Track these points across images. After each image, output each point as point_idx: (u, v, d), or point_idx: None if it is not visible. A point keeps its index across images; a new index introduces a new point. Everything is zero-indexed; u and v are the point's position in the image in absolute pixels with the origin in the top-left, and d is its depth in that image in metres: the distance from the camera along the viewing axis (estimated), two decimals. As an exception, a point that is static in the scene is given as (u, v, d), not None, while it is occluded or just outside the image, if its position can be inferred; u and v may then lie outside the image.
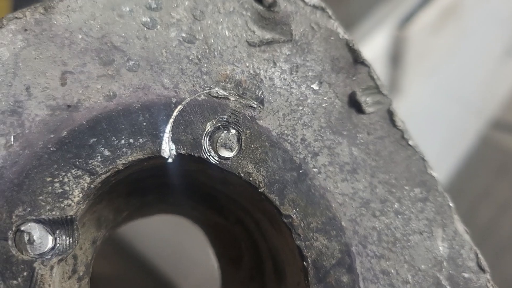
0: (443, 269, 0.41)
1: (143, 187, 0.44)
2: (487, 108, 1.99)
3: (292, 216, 0.38)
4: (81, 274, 0.40)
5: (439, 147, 1.65)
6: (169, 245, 0.95)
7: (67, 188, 0.34)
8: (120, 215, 0.45)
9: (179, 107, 0.37)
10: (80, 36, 0.37)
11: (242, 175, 0.38)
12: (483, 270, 0.42)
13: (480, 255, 0.43)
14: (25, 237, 0.33)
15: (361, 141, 0.41)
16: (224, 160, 0.38)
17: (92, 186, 0.34)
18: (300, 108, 0.40)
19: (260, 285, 0.47)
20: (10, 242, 0.33)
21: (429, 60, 1.24)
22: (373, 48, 1.07)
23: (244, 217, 0.46)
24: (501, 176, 1.98)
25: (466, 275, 0.41)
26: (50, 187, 0.33)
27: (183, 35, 0.39)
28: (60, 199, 0.33)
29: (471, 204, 1.85)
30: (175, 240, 0.93)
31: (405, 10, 1.22)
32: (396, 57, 1.08)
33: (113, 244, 0.95)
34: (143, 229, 0.92)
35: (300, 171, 0.39)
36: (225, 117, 0.38)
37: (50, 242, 0.34)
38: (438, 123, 1.54)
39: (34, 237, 0.33)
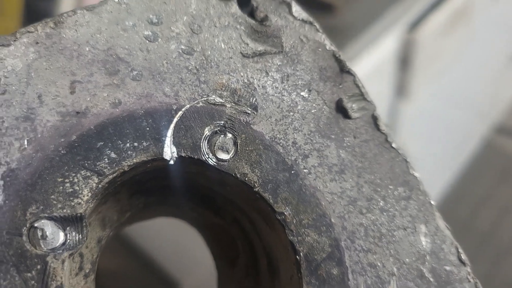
0: (426, 262, 0.44)
1: (145, 189, 0.47)
2: (491, 113, 2.01)
3: (285, 213, 0.41)
4: (87, 271, 0.43)
5: (444, 150, 1.67)
6: (172, 244, 0.97)
7: (77, 188, 0.36)
8: (123, 216, 0.48)
9: (180, 113, 0.40)
10: (87, 49, 0.40)
11: (238, 175, 0.41)
12: (463, 263, 0.45)
13: (460, 249, 0.46)
14: (39, 233, 0.36)
15: (348, 144, 0.44)
16: (222, 161, 0.41)
17: (100, 186, 0.37)
18: (291, 114, 0.44)
19: (255, 282, 0.50)
20: (24, 238, 0.35)
21: (437, 64, 1.26)
22: (383, 50, 1.08)
23: (240, 218, 0.49)
24: (504, 181, 2.01)
25: (447, 268, 0.44)
26: (61, 187, 0.36)
27: (182, 47, 0.42)
28: (71, 198, 0.36)
29: (474, 207, 1.88)
30: (178, 238, 0.95)
31: (415, 13, 1.23)
32: (405, 60, 1.09)
33: (118, 242, 0.97)
34: (147, 228, 0.94)
35: (292, 172, 0.42)
36: (222, 122, 0.42)
37: (61, 237, 0.36)
38: (444, 126, 1.56)
39: (47, 233, 0.36)
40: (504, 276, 1.69)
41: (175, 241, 0.96)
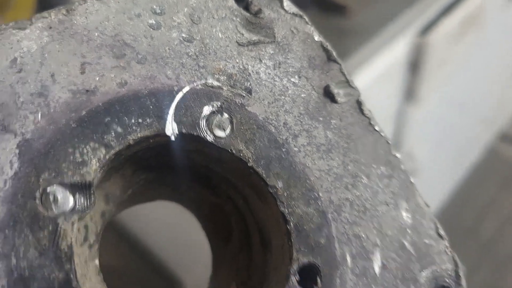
0: (407, 236, 0.48)
1: (147, 166, 0.50)
2: (497, 120, 2.01)
3: (277, 186, 0.44)
4: (91, 242, 0.46)
5: (448, 156, 1.68)
6: (174, 242, 0.99)
7: (86, 158, 0.40)
8: (125, 193, 0.51)
9: (180, 94, 0.44)
10: (96, 34, 0.44)
11: (234, 151, 0.44)
12: (441, 238, 0.49)
13: (438, 225, 0.50)
14: (50, 198, 0.39)
15: (335, 126, 0.48)
16: (219, 139, 0.44)
17: (107, 157, 0.40)
18: (282, 97, 0.47)
19: (248, 257, 0.53)
20: (37, 201, 0.38)
21: (446, 69, 1.26)
22: (394, 53, 1.08)
23: (234, 196, 0.52)
24: (507, 188, 2.02)
25: (427, 241, 0.48)
26: (72, 157, 0.39)
27: (183, 35, 0.46)
28: (80, 167, 0.39)
29: (476, 214, 1.89)
30: (180, 234, 0.97)
31: (427, 18, 1.24)
32: (415, 64, 1.09)
33: (119, 238, 1.00)
34: (148, 222, 0.97)
35: (283, 150, 0.45)
36: (219, 103, 0.45)
37: (71, 202, 0.39)
38: (450, 132, 1.56)
39: (58, 197, 0.39)
40: (508, 283, 1.71)
41: (177, 238, 0.99)
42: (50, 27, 0.43)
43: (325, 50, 0.50)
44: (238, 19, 0.49)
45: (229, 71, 0.47)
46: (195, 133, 0.43)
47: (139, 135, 0.42)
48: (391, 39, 1.09)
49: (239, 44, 0.48)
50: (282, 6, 0.50)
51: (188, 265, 0.99)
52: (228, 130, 0.45)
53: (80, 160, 0.40)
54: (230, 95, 0.46)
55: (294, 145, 0.46)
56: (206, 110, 0.45)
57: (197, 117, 0.44)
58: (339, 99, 0.49)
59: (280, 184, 0.44)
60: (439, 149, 1.54)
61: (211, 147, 0.44)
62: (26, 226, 0.37)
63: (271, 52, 0.48)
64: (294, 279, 0.42)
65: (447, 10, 1.34)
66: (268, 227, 0.48)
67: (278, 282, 0.44)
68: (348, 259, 0.45)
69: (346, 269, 0.45)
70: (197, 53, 0.46)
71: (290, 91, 0.48)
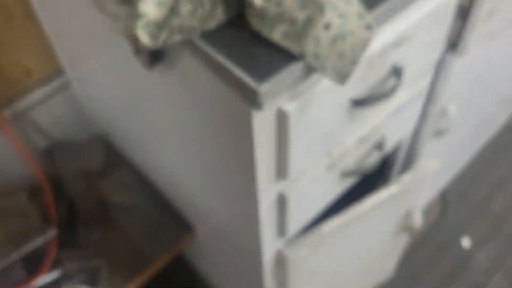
0: None
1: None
2: None
3: None
4: None
5: (477, 119, 1.55)
6: (189, 194, 1.03)
7: None
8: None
9: None
10: None
11: None
12: None
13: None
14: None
15: None
16: None
17: None
18: None
19: None
20: None
21: (493, 22, 1.05)
22: None
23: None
24: None
25: None
26: None
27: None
28: None
29: (489, 190, 1.85)
30: (193, 192, 0.99)
31: None
32: (465, 8, 0.90)
33: (130, 177, 1.15)
34: (158, 164, 1.05)
35: None
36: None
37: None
38: (484, 94, 1.42)
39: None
40: (515, 259, 1.66)
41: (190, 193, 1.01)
42: None
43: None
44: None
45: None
46: None
47: None
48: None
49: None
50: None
51: (201, 216, 1.04)
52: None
53: None
54: None
55: None
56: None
57: None
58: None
59: None
60: (470, 108, 1.39)
61: None
62: None
63: None
64: None
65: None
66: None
67: None
68: None
69: None
70: None
71: None
